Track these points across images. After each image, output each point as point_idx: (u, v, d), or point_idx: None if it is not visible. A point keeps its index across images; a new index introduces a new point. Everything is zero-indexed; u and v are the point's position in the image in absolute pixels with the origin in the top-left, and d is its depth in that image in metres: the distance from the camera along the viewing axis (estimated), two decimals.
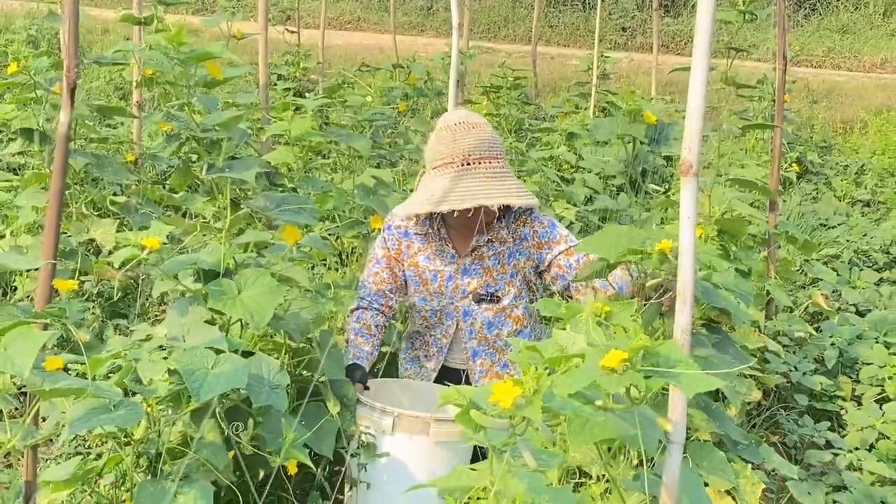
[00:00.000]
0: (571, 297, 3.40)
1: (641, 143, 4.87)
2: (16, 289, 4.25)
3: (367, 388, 3.28)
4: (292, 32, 9.81)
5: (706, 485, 2.69)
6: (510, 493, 1.77)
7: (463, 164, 3.27)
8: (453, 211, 3.24)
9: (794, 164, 7.42)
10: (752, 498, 2.78)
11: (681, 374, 1.73)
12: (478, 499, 2.39)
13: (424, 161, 3.43)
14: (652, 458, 2.14)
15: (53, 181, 2.31)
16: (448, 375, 3.54)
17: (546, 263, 3.46)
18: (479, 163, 3.27)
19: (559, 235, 3.46)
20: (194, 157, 4.31)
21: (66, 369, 2.25)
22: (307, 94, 8.27)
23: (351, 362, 3.34)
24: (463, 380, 3.50)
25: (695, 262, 2.04)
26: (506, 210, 3.42)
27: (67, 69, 2.30)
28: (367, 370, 3.39)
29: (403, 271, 3.53)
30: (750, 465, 2.95)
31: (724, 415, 3.10)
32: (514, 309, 3.49)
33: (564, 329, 2.09)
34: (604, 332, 2.07)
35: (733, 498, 2.76)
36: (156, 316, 4.40)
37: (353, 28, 19.35)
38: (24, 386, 2.21)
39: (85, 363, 2.35)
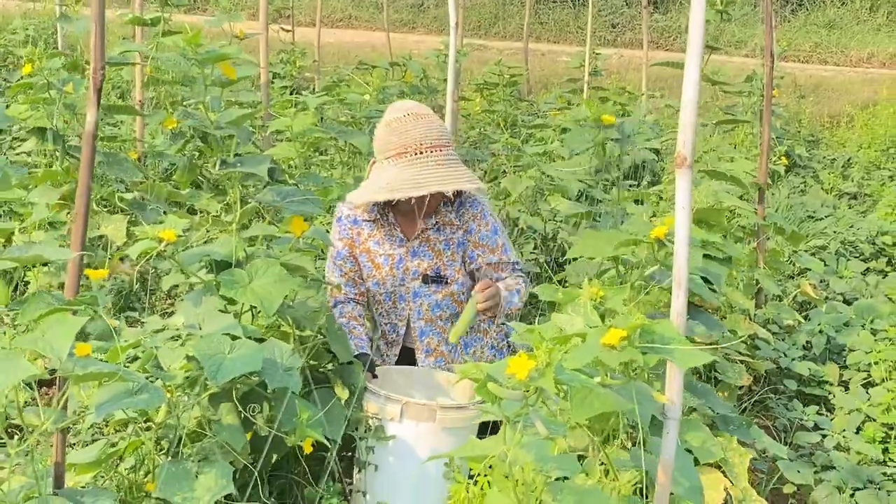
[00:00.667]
0: None
1: (611, 149, 4.98)
2: (28, 283, 4.33)
3: (375, 376, 3.38)
4: (287, 31, 9.89)
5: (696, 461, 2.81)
6: (521, 462, 1.87)
7: (415, 153, 3.39)
8: (410, 198, 3.37)
9: (782, 158, 7.51)
10: (741, 469, 2.88)
11: (675, 349, 1.85)
12: (485, 475, 2.50)
13: (375, 151, 3.54)
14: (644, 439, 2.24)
15: (81, 176, 2.39)
16: (405, 355, 3.70)
17: (475, 262, 3.63)
18: (431, 151, 3.39)
19: (496, 244, 3.63)
20: (197, 154, 4.41)
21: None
22: (303, 92, 8.34)
23: (356, 352, 3.42)
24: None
25: (689, 249, 2.15)
26: (456, 195, 3.58)
27: (94, 70, 2.39)
28: (372, 357, 3.48)
29: (357, 258, 3.64)
30: (736, 439, 3.05)
31: (716, 397, 3.22)
32: (461, 295, 3.63)
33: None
34: (598, 314, 2.19)
35: (723, 472, 2.86)
36: (164, 309, 4.49)
37: (344, 26, 19.38)
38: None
39: (107, 351, 2.46)
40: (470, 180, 3.42)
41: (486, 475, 2.47)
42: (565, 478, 2.26)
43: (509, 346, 3.68)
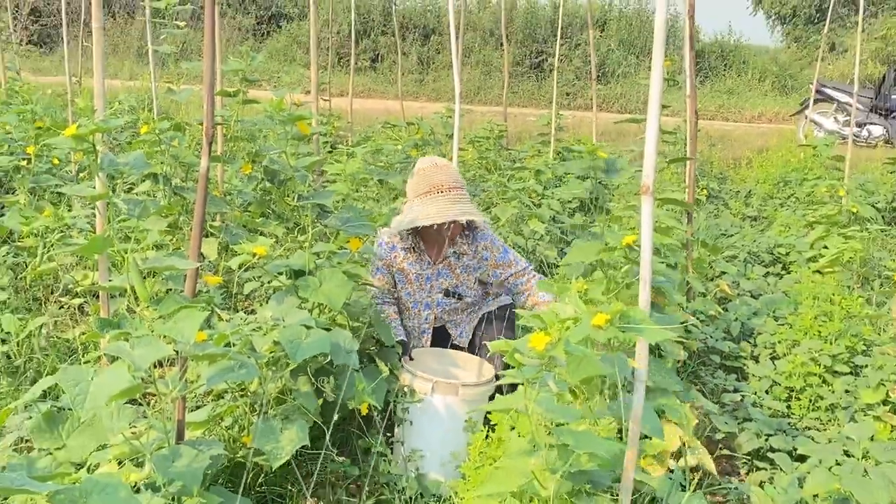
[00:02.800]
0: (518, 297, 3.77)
1: (597, 175, 5.07)
2: (70, 290, 4.34)
3: (411, 358, 3.46)
4: (325, 101, 9.95)
5: (661, 415, 2.85)
6: (536, 412, 1.91)
7: (438, 192, 3.48)
8: (432, 224, 3.47)
9: (703, 190, 7.57)
10: (690, 423, 2.92)
11: (645, 328, 1.89)
12: (511, 426, 2.53)
13: (407, 194, 3.61)
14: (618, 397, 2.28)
15: (197, 206, 2.41)
16: (438, 334, 3.81)
17: (500, 279, 3.74)
18: (450, 191, 3.49)
19: (510, 260, 3.74)
20: (266, 192, 4.45)
21: None
22: (339, 146, 8.39)
23: (397, 339, 3.47)
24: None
25: (651, 255, 2.19)
26: (469, 229, 3.69)
27: (207, 128, 2.42)
28: (408, 345, 3.59)
29: (393, 275, 3.73)
30: (689, 404, 3.09)
31: (665, 367, 3.26)
32: (473, 304, 3.78)
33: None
34: (584, 303, 2.23)
35: (678, 425, 2.91)
36: (244, 308, 4.51)
37: (364, 96, 19.44)
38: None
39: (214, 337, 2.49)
40: (478, 214, 3.51)
41: (510, 425, 2.52)
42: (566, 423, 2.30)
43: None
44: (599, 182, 5.75)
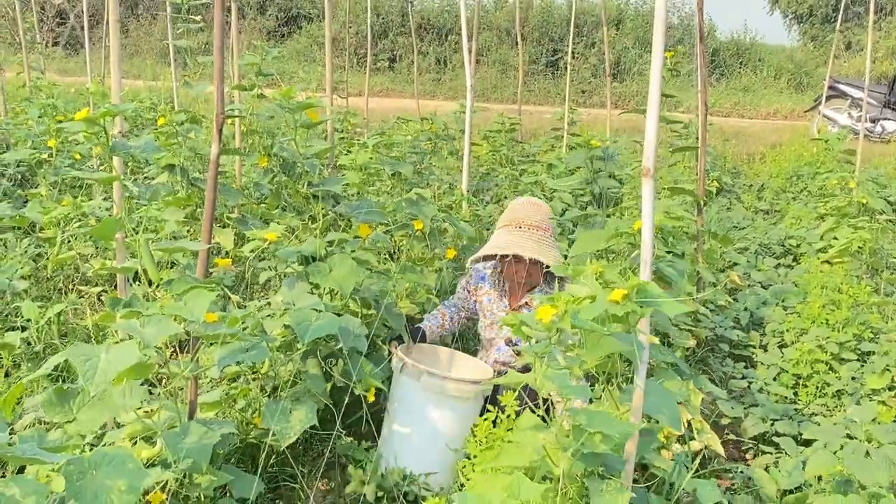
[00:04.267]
0: None
1: (597, 165, 5.06)
2: (90, 280, 4.39)
3: (421, 341, 3.39)
4: (342, 98, 10.00)
5: None
6: (547, 390, 1.90)
7: (516, 227, 3.40)
8: (506, 264, 3.40)
9: (714, 182, 7.55)
10: (695, 401, 2.91)
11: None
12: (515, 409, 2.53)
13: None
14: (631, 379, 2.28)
15: (208, 190, 2.44)
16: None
17: None
18: (528, 228, 3.38)
19: None
20: (282, 185, 4.47)
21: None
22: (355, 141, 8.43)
23: (418, 326, 3.48)
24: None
25: (653, 237, 2.20)
26: (550, 282, 3.49)
27: (217, 115, 2.45)
28: (427, 339, 3.49)
29: (473, 301, 3.66)
30: (692, 383, 3.08)
31: (674, 355, 3.26)
32: (528, 369, 3.53)
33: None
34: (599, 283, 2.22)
35: (682, 405, 2.90)
36: (260, 297, 4.54)
37: (383, 95, 19.47)
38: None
39: (226, 319, 2.51)
40: (545, 255, 3.30)
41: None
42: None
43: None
44: (598, 174, 5.73)
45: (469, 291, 3.66)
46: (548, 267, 3.33)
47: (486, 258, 3.53)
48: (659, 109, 2.21)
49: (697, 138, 4.58)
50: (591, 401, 2.48)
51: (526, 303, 3.50)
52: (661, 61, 2.17)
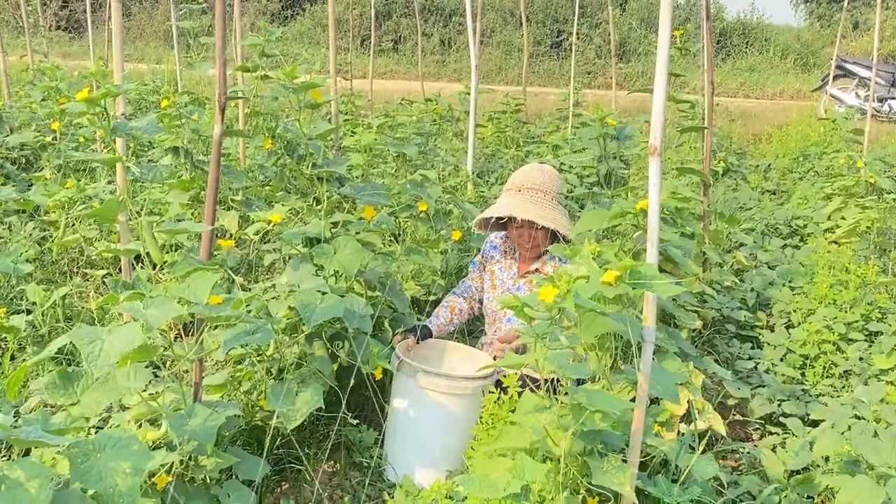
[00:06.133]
0: None
1: (609, 142, 5.03)
2: (94, 263, 4.38)
3: (418, 342, 3.28)
4: (346, 80, 9.96)
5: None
6: (548, 369, 1.89)
7: (516, 190, 3.33)
8: (511, 229, 3.34)
9: (721, 162, 7.51)
10: (697, 381, 2.90)
11: (655, 283, 1.87)
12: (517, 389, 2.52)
13: None
14: (631, 360, 2.26)
15: (211, 171, 2.42)
16: None
17: None
18: (528, 190, 3.29)
19: None
20: (286, 167, 4.44)
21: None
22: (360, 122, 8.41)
23: (424, 323, 3.39)
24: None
25: (659, 216, 2.18)
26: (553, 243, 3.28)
27: (219, 96, 2.42)
28: (434, 333, 3.39)
29: (486, 276, 3.54)
30: (693, 365, 3.06)
31: (680, 336, 3.24)
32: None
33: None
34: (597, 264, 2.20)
35: (685, 386, 2.89)
36: (264, 279, 4.53)
37: (387, 77, 19.43)
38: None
39: (231, 301, 2.50)
40: (545, 218, 3.20)
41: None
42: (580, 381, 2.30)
43: None
44: (614, 156, 5.70)
45: (482, 268, 3.56)
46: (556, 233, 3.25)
47: (490, 227, 3.48)
48: (666, 87, 2.19)
49: (704, 118, 4.55)
50: (581, 382, 2.48)
51: (536, 269, 3.39)
52: (669, 37, 2.15)
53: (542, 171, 3.38)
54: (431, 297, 4.03)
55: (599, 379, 2.26)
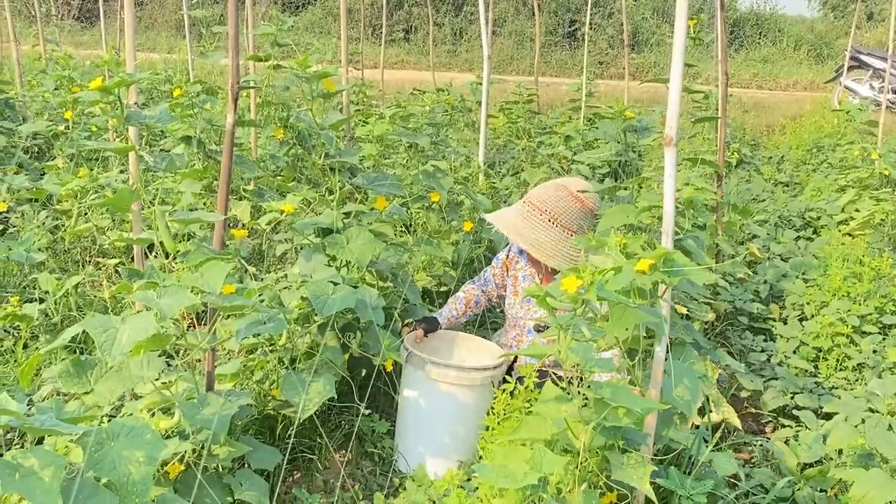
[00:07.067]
0: None
1: (626, 137, 5.01)
2: (107, 252, 4.39)
3: (426, 334, 3.25)
4: (357, 70, 9.95)
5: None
6: (570, 361, 1.87)
7: (521, 202, 3.17)
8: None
9: (734, 153, 7.47)
10: (713, 375, 2.89)
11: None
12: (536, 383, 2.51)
13: None
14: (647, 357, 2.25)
15: (224, 160, 2.41)
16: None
17: None
18: (528, 204, 3.12)
19: None
20: (297, 157, 4.44)
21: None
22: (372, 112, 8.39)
23: (433, 315, 3.36)
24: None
25: (674, 205, 2.16)
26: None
27: (232, 85, 2.42)
28: (442, 325, 3.34)
29: (509, 275, 3.41)
30: (709, 359, 3.06)
31: (694, 328, 3.23)
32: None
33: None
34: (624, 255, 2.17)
35: (700, 380, 2.88)
36: (276, 269, 4.53)
37: (398, 67, 19.40)
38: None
39: (243, 291, 2.50)
40: (521, 236, 3.06)
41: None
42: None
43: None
44: (629, 147, 5.68)
45: (506, 268, 3.44)
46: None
47: None
48: (682, 76, 2.17)
49: (717, 109, 4.53)
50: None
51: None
52: (685, 28, 2.13)
53: (557, 190, 3.13)
54: (443, 288, 4.02)
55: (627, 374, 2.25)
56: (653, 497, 1.96)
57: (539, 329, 3.22)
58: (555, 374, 3.03)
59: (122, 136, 2.43)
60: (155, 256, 3.52)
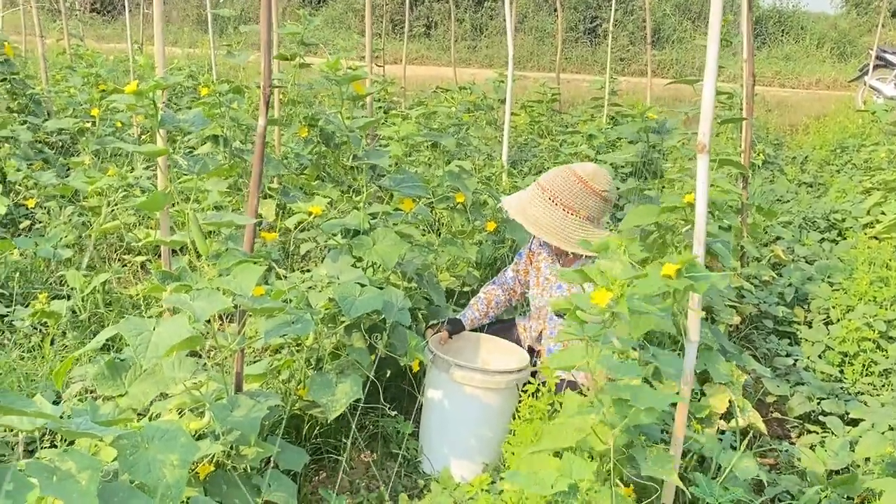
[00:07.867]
0: None
1: (649, 137, 4.99)
2: (133, 248, 4.43)
3: (451, 336, 3.28)
4: (379, 66, 9.95)
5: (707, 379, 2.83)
6: (598, 371, 1.88)
7: (535, 186, 3.16)
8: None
9: (760, 154, 7.42)
10: (739, 381, 2.88)
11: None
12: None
13: None
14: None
15: (255, 164, 2.43)
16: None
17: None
18: (536, 186, 3.14)
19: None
20: (321, 156, 4.46)
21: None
22: (393, 111, 8.39)
23: (456, 316, 3.37)
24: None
25: (706, 212, 2.16)
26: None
27: (264, 87, 2.43)
28: (466, 327, 3.36)
29: (530, 268, 3.42)
30: (735, 364, 3.05)
31: (720, 332, 3.22)
32: None
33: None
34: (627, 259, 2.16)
35: (727, 386, 2.87)
36: (301, 268, 4.55)
37: (418, 63, 19.40)
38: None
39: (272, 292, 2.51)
40: (522, 214, 3.10)
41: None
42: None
43: None
44: (652, 146, 5.65)
45: (528, 262, 3.42)
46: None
47: None
48: (715, 79, 2.16)
49: (742, 109, 4.50)
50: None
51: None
52: (718, 33, 2.13)
53: (562, 172, 3.14)
54: (466, 289, 4.02)
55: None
56: (679, 483, 1.97)
57: (561, 314, 3.20)
58: (571, 381, 3.03)
59: (150, 133, 2.46)
60: (183, 254, 3.54)
